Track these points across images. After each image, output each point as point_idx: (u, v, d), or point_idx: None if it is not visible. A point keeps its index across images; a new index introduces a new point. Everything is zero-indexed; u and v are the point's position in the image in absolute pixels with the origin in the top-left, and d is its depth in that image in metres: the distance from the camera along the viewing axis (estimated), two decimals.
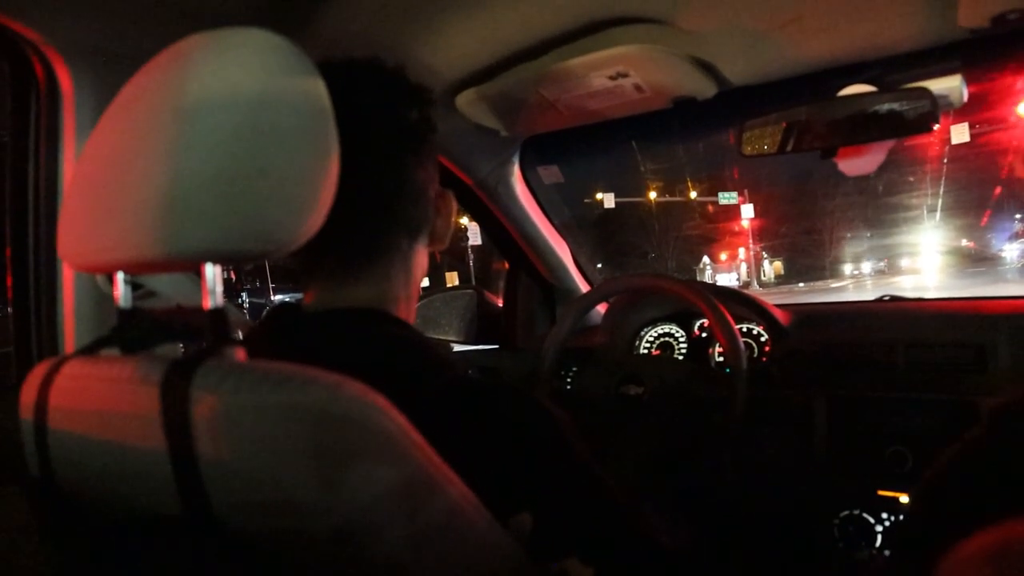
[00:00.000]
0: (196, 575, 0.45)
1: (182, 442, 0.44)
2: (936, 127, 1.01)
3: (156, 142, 0.47)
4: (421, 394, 0.54)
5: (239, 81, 0.47)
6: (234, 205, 0.45)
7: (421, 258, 0.71)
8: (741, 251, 31.30)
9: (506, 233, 1.66)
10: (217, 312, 0.48)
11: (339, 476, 0.42)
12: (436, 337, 1.69)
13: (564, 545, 0.56)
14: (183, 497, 0.45)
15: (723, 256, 32.33)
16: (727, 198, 27.80)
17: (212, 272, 0.47)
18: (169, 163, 0.46)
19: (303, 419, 0.42)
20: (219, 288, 0.48)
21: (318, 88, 0.50)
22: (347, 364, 0.48)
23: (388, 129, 0.64)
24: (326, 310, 0.65)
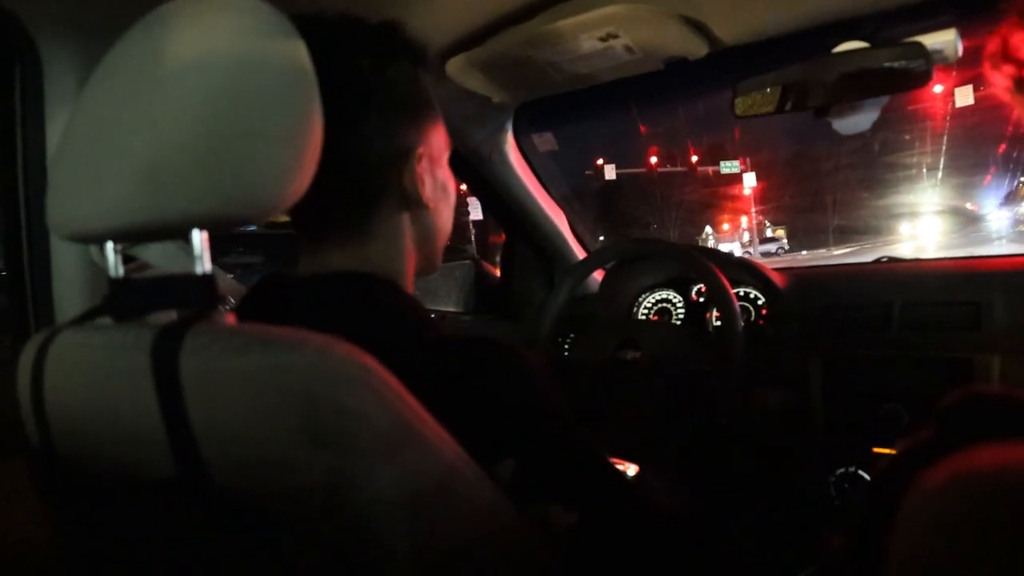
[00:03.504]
0: (193, 536, 0.46)
1: (174, 405, 0.44)
2: (930, 82, 1.00)
3: (139, 110, 0.47)
4: (400, 354, 0.54)
5: (219, 45, 0.47)
6: (218, 170, 0.45)
7: (415, 223, 0.69)
8: (744, 220, 31.17)
9: (502, 203, 1.66)
10: (206, 278, 0.49)
11: (329, 434, 0.42)
12: (434, 308, 1.70)
13: (545, 490, 0.57)
14: (177, 459, 0.45)
15: (725, 226, 32.20)
16: (729, 167, 27.59)
17: (199, 238, 0.48)
18: (152, 130, 0.46)
19: (293, 379, 0.42)
20: (207, 254, 0.49)
21: (299, 50, 0.50)
22: (330, 329, 0.48)
23: (362, 88, 0.63)
24: (312, 276, 0.65)
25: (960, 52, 1.09)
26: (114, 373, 0.49)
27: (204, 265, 0.48)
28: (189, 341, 0.45)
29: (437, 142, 0.70)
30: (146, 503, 0.47)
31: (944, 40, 1.06)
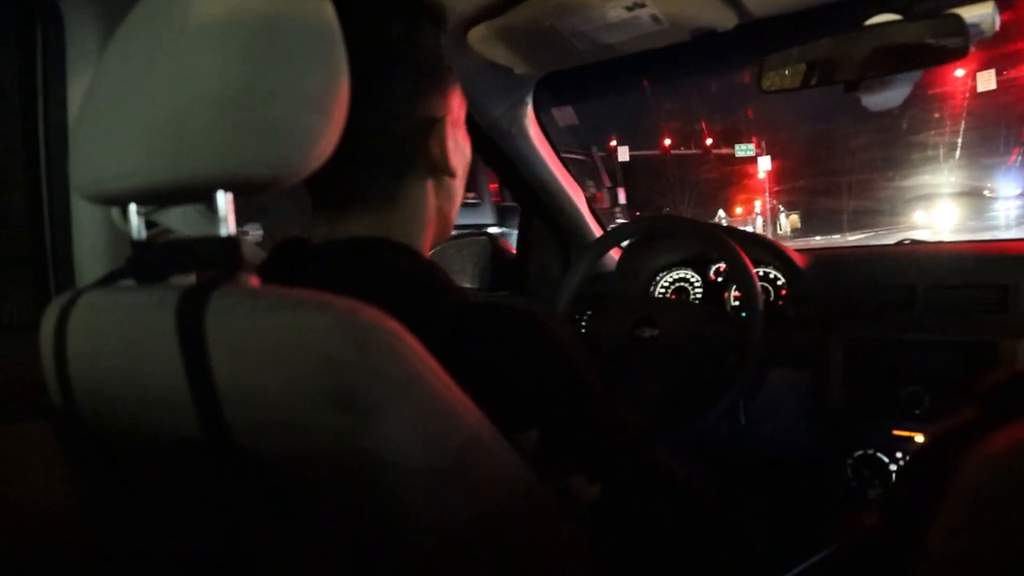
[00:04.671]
0: (217, 497, 0.46)
1: (199, 366, 0.44)
2: (966, 56, 0.97)
3: (163, 69, 0.46)
4: (424, 319, 0.53)
5: (244, 4, 0.46)
6: (243, 130, 0.45)
7: (434, 192, 0.69)
8: (757, 204, 30.89)
9: (519, 177, 1.64)
10: (230, 240, 0.48)
11: (353, 399, 0.42)
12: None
13: (569, 461, 0.56)
14: (202, 421, 0.45)
15: (738, 210, 31.93)
16: (744, 150, 27.26)
17: (223, 200, 0.47)
18: (176, 90, 0.45)
19: (318, 341, 0.42)
20: (231, 216, 0.48)
21: (326, 9, 0.49)
22: (350, 293, 0.47)
23: (391, 55, 0.61)
24: (329, 242, 0.64)
25: (998, 26, 1.06)
26: (138, 334, 0.48)
27: (229, 227, 0.48)
28: (215, 302, 0.45)
29: (457, 106, 0.69)
30: (170, 463, 0.47)
31: (982, 13, 1.03)
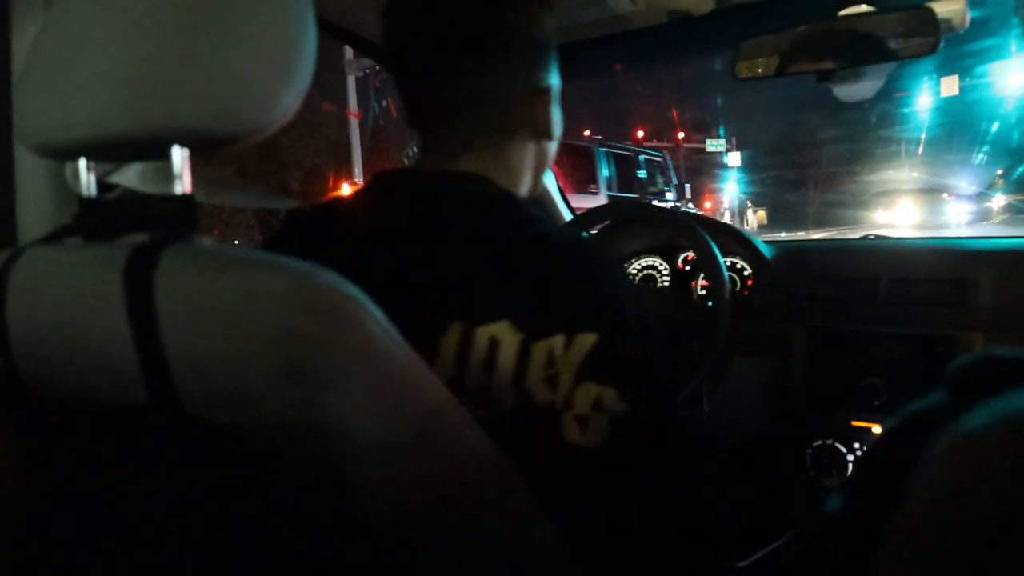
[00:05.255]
0: (164, 465, 0.44)
1: (147, 328, 0.42)
2: (936, 50, 0.99)
3: (117, 16, 0.44)
4: (503, 245, 0.62)
5: None
6: (201, 82, 0.43)
7: (538, 153, 0.76)
8: (725, 199, 31.30)
9: None
10: (185, 198, 0.46)
11: (309, 369, 0.40)
12: None
13: (609, 373, 0.57)
14: (149, 387, 0.43)
15: (707, 204, 32.35)
16: (715, 145, 27.59)
17: (179, 155, 0.45)
18: (131, 39, 0.43)
19: (271, 306, 0.40)
20: (187, 173, 0.46)
21: None
22: (442, 219, 0.64)
23: (509, 34, 0.68)
24: (430, 172, 0.71)
25: (968, 22, 1.07)
26: (83, 292, 0.46)
27: (184, 184, 0.45)
28: (165, 261, 0.42)
29: (557, 80, 0.76)
30: (115, 430, 0.45)
31: (953, 9, 1.04)
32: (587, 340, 0.56)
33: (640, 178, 12.67)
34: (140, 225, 0.48)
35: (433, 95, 0.70)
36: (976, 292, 1.21)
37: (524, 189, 0.76)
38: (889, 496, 0.34)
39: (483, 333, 0.58)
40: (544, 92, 0.72)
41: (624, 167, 12.12)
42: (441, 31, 0.67)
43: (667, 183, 14.12)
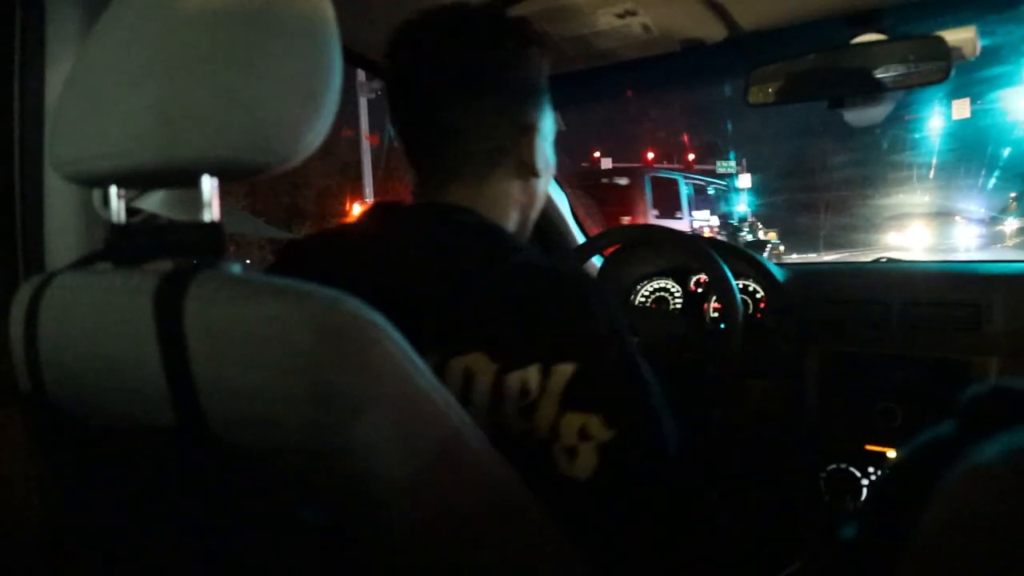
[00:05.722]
0: (191, 487, 0.45)
1: (176, 354, 0.43)
2: (947, 78, 0.99)
3: (151, 50, 0.46)
4: (481, 274, 0.62)
5: None
6: (231, 114, 0.44)
7: (523, 190, 0.76)
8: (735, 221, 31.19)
9: None
10: (214, 225, 0.47)
11: (334, 395, 0.41)
12: None
13: (593, 400, 0.57)
14: (177, 410, 0.44)
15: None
16: (725, 167, 27.56)
17: (209, 184, 0.46)
18: (164, 71, 0.45)
19: (298, 333, 0.41)
20: (216, 202, 0.47)
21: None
22: (427, 248, 0.64)
23: (502, 72, 0.71)
24: (418, 204, 0.74)
25: (978, 50, 1.08)
26: (114, 318, 0.47)
27: (213, 213, 0.47)
28: (194, 288, 0.44)
29: (549, 123, 0.78)
30: (143, 452, 0.46)
31: (964, 37, 1.05)
32: (566, 369, 0.57)
33: (716, 203, 14.80)
34: (169, 251, 0.50)
35: (421, 126, 0.72)
36: (990, 317, 1.21)
37: (511, 224, 0.77)
38: (902, 526, 0.34)
39: (458, 364, 0.58)
40: (529, 129, 0.74)
41: (700, 194, 13.84)
42: (429, 65, 0.70)
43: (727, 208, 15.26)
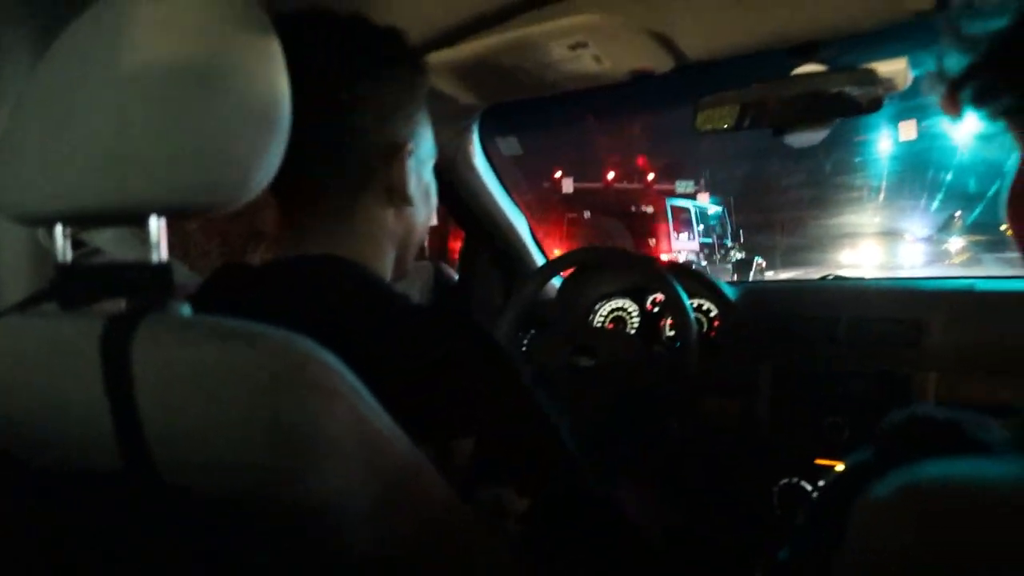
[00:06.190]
0: (139, 531, 0.44)
1: (123, 399, 0.43)
2: (880, 107, 1.04)
3: (98, 90, 0.45)
4: (362, 326, 0.56)
5: (184, 27, 0.46)
6: (180, 155, 0.44)
7: (397, 219, 0.70)
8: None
9: (464, 205, 1.65)
10: (162, 267, 0.47)
11: (285, 435, 0.41)
12: None
13: (501, 473, 0.56)
14: (124, 456, 0.43)
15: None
16: (685, 186, 27.99)
17: (157, 225, 0.46)
18: (112, 112, 0.44)
19: (249, 378, 0.41)
20: (164, 242, 0.47)
21: (267, 34, 0.49)
22: (291, 309, 0.50)
23: (362, 85, 0.65)
24: (273, 261, 0.65)
25: (910, 81, 1.14)
26: (59, 362, 0.46)
27: (161, 253, 0.47)
28: (142, 331, 0.43)
29: (426, 146, 0.72)
30: (89, 497, 0.45)
31: (895, 69, 1.10)
32: (465, 445, 0.54)
33: (712, 226, 16.08)
34: (117, 292, 0.49)
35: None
36: (930, 333, 1.26)
37: (387, 261, 0.71)
38: (823, 553, 0.35)
39: None
40: (400, 148, 0.67)
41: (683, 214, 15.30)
42: (300, 67, 0.58)
43: (724, 231, 16.87)
